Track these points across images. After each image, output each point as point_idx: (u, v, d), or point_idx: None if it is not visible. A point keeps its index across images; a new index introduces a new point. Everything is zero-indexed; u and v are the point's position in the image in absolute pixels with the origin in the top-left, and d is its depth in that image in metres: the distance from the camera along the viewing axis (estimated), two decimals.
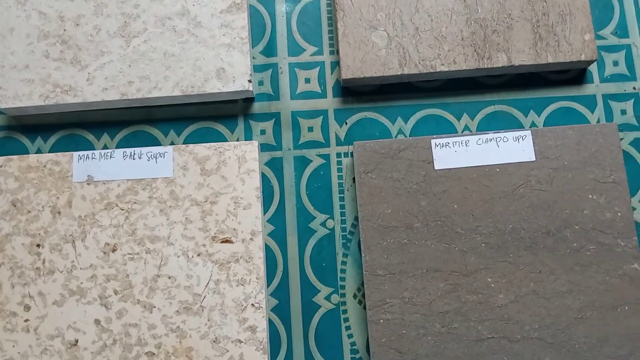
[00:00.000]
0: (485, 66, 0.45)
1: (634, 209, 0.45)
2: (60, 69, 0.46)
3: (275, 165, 0.47)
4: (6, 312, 0.43)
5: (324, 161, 0.47)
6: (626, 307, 0.42)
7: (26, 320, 0.43)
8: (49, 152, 0.47)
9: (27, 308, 0.43)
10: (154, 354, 0.42)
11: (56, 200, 0.44)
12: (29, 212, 0.44)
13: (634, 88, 0.47)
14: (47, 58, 0.46)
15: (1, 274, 0.43)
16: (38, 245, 0.44)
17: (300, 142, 0.47)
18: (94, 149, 0.47)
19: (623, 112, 0.47)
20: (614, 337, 0.41)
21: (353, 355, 0.43)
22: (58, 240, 0.44)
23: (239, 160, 0.45)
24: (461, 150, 0.45)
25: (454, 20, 0.46)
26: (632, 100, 0.47)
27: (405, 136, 0.47)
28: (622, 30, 0.48)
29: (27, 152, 0.47)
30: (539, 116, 0.47)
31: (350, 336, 0.44)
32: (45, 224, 0.44)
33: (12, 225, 0.44)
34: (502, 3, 0.46)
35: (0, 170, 0.45)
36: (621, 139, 0.46)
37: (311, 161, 0.47)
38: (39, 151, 0.47)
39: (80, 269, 0.43)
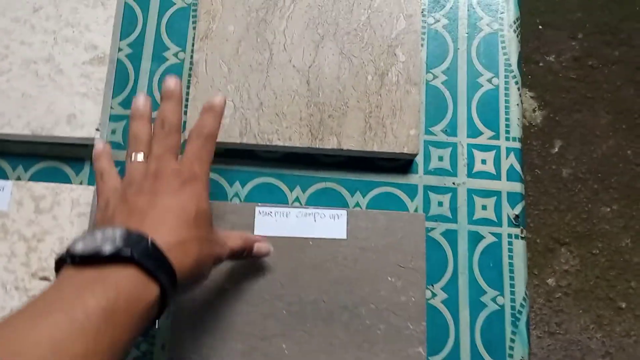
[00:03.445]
0: (317, 146, 0.49)
1: (434, 295, 0.49)
2: None
3: None
4: None
5: None
6: None
7: None
8: None
9: None
10: None
11: None
12: None
13: (453, 183, 0.51)
14: None
15: None
16: None
17: None
18: None
19: (440, 203, 0.51)
20: None
21: None
22: None
23: (72, 202, 0.48)
24: (281, 220, 0.48)
25: (296, 100, 0.50)
26: (450, 195, 0.51)
27: (240, 200, 0.50)
28: (452, 129, 0.53)
29: None
30: (363, 197, 0.51)
31: None
32: None
33: None
34: (341, 91, 0.51)
35: None
36: (433, 229, 0.50)
37: None
38: None
39: None
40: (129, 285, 0.31)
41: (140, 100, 0.42)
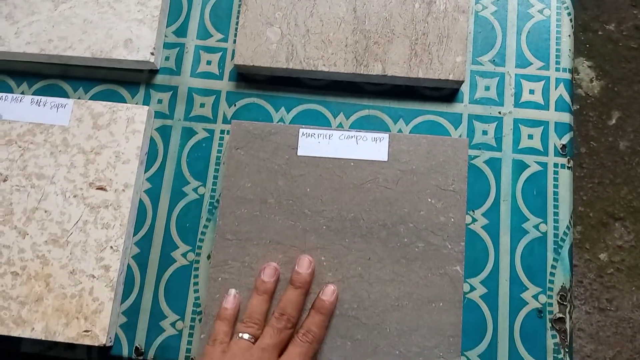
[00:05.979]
0: (362, 72, 0.50)
1: (474, 220, 0.49)
2: None
3: (164, 131, 0.52)
4: None
5: (208, 135, 0.52)
6: (441, 304, 0.45)
7: None
8: None
9: None
10: (18, 274, 0.47)
11: None
12: None
13: (499, 112, 0.51)
14: None
15: None
16: None
17: (190, 115, 0.52)
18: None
19: (485, 132, 0.51)
20: (423, 328, 0.45)
21: (194, 308, 0.48)
22: None
23: (127, 120, 0.50)
24: (324, 142, 0.49)
25: (342, 28, 0.51)
26: (495, 124, 0.51)
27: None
28: (500, 60, 0.52)
29: None
30: (406, 125, 0.51)
31: (196, 291, 0.48)
32: None
33: None
34: (387, 19, 0.51)
35: None
36: (477, 157, 0.50)
37: (197, 133, 0.52)
38: None
39: None
40: None
41: (267, 274, 0.45)
